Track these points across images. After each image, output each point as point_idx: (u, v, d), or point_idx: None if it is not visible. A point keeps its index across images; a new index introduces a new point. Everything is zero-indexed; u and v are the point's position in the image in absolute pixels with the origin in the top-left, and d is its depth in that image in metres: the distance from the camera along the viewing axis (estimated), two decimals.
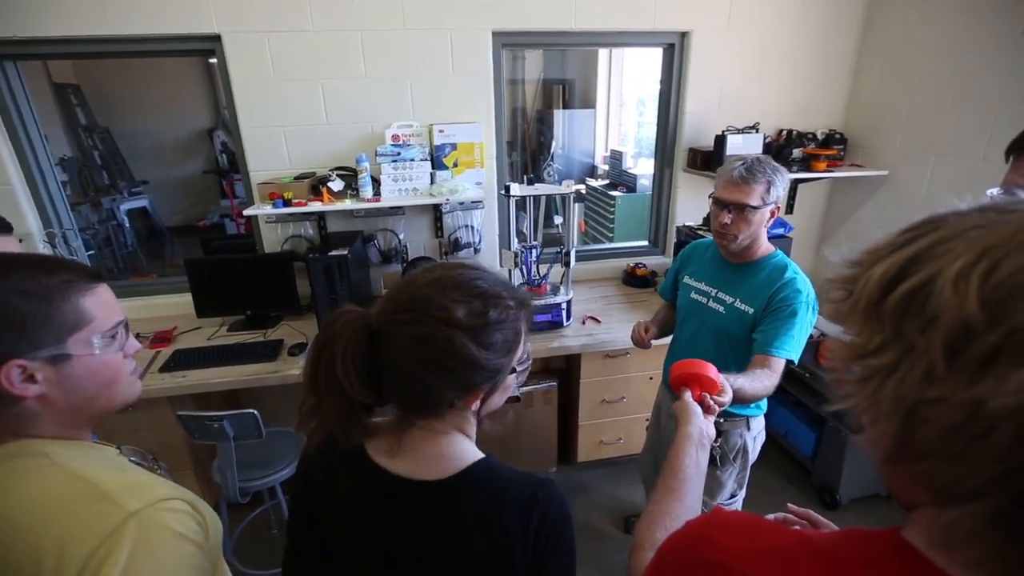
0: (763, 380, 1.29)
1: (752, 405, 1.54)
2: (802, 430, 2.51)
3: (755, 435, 1.61)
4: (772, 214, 1.40)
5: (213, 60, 5.56)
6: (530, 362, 0.73)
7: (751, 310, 1.42)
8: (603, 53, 5.27)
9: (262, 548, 2.17)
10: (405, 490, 0.67)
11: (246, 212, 2.10)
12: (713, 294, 1.53)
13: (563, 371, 2.50)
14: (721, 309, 1.50)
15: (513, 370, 0.69)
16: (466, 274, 0.66)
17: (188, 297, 2.28)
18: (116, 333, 0.68)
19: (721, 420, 1.55)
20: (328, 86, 2.21)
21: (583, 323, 2.27)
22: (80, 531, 0.56)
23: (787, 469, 2.60)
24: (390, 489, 0.67)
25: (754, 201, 1.36)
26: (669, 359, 1.72)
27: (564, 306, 2.16)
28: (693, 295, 1.59)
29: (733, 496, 1.70)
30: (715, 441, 1.52)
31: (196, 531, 0.64)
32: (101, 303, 0.67)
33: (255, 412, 1.70)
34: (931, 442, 0.33)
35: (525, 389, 2.36)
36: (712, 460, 1.57)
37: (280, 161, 2.27)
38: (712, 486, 1.66)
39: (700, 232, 2.29)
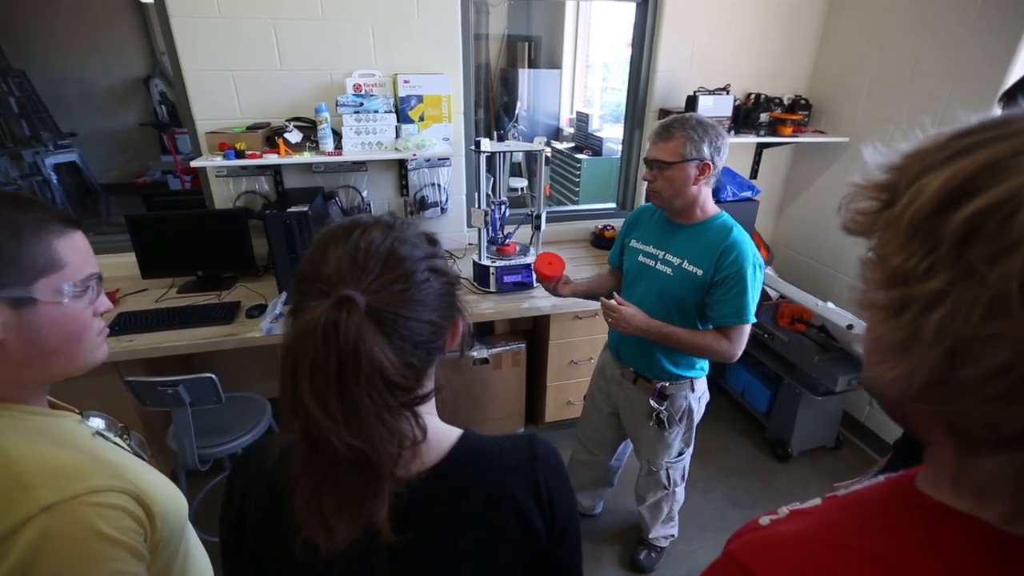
0: (710, 340, 1.43)
1: (696, 367, 1.59)
2: (758, 388, 2.63)
3: (699, 396, 1.66)
4: (702, 171, 1.36)
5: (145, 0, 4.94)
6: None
7: (699, 271, 1.42)
8: (570, 10, 5.12)
9: None
10: (399, 492, 0.54)
11: (194, 163, 1.93)
12: (660, 256, 1.51)
13: (531, 332, 2.50)
14: (669, 271, 1.48)
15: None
16: (388, 218, 0.57)
17: (131, 257, 2.10)
18: (89, 286, 0.61)
19: (667, 384, 1.59)
20: (282, 27, 2.03)
21: None
22: None
23: (743, 425, 2.73)
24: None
25: (670, 157, 1.35)
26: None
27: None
28: (640, 258, 1.56)
29: (680, 454, 1.77)
30: (661, 404, 1.60)
31: (131, 531, 0.57)
32: (76, 250, 0.60)
33: (213, 376, 1.60)
34: (974, 381, 0.30)
35: (494, 351, 2.35)
36: (660, 423, 1.63)
37: (230, 109, 2.09)
38: (659, 448, 1.72)
39: None
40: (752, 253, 1.38)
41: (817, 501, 0.48)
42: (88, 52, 5.13)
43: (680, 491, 1.89)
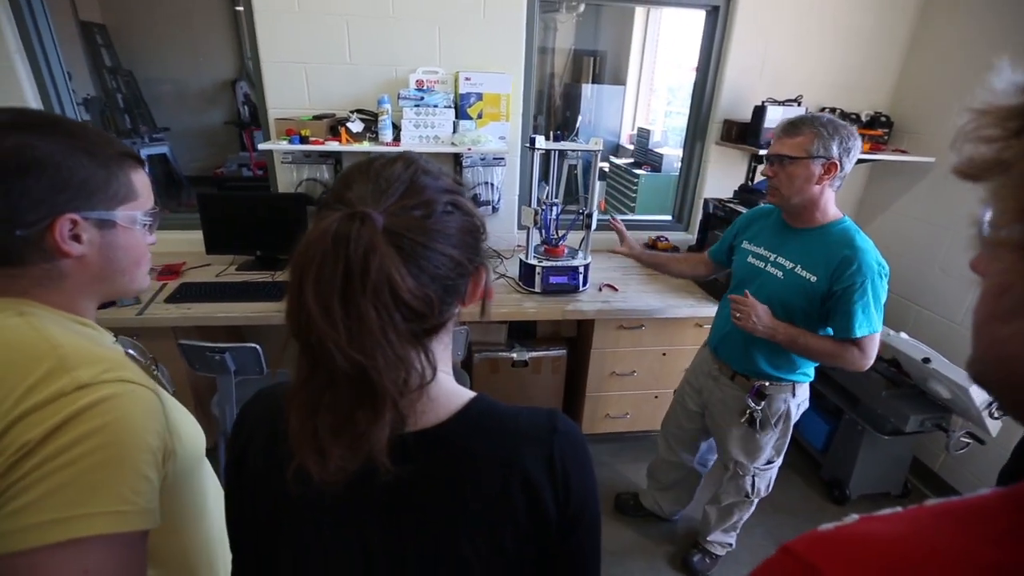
0: (840, 349, 1.35)
1: (798, 371, 1.51)
2: (816, 422, 2.43)
3: (799, 402, 1.57)
4: (827, 170, 1.31)
5: (240, 7, 5.38)
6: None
7: (814, 278, 1.36)
8: (638, 26, 5.09)
9: None
10: (403, 445, 0.50)
11: (262, 146, 2.04)
12: (772, 259, 1.46)
13: (574, 340, 2.44)
14: (780, 275, 1.43)
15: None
16: (411, 153, 0.55)
17: (198, 235, 2.23)
18: (153, 218, 0.69)
19: (766, 384, 1.52)
20: (354, 23, 2.12)
21: (600, 290, 2.19)
22: (20, 388, 0.51)
23: (794, 460, 2.52)
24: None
25: (793, 152, 1.32)
26: (718, 324, 1.67)
27: (581, 270, 2.08)
28: (750, 259, 1.52)
29: (770, 462, 1.67)
30: (757, 404, 1.53)
31: (154, 432, 0.57)
32: (144, 184, 0.68)
33: (257, 347, 1.65)
34: None
35: (534, 354, 2.31)
36: (752, 422, 1.56)
37: (299, 99, 2.20)
38: (751, 448, 1.64)
39: (730, 206, 2.19)
40: (876, 261, 1.32)
41: (897, 508, 0.40)
42: (186, 55, 5.62)
43: (755, 503, 1.79)
